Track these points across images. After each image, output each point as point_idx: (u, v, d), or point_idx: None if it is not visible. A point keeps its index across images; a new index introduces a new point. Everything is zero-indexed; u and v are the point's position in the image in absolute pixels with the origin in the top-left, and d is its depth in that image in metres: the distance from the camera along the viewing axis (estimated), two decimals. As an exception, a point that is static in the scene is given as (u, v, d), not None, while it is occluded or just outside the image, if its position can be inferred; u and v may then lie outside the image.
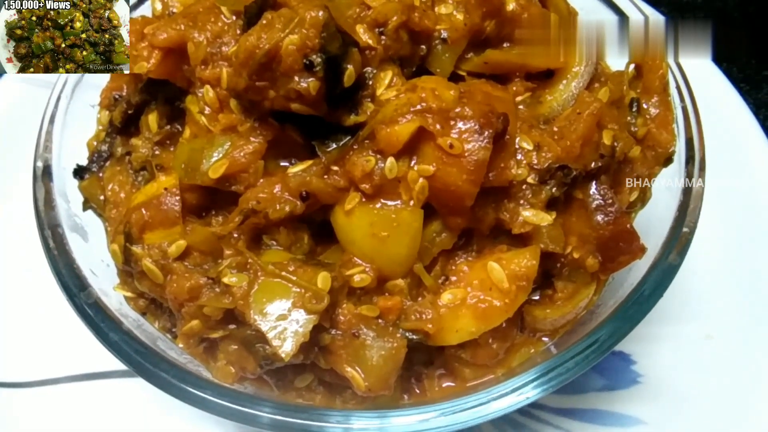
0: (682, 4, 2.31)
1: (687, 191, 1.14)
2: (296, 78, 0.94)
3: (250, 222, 1.01)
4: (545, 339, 1.13)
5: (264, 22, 0.95)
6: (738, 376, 1.48)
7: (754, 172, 1.72)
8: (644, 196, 1.19)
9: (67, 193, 1.19)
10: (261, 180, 1.04)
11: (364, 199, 1.00)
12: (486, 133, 0.97)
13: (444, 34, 1.08)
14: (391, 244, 1.00)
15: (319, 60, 0.94)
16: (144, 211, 1.02)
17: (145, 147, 1.15)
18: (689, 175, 1.15)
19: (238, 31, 1.04)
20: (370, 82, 1.03)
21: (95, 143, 1.25)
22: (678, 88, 1.21)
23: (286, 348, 0.91)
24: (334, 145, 1.02)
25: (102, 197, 1.18)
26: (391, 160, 0.98)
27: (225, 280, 0.96)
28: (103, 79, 1.28)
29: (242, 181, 1.03)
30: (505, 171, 1.03)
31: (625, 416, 1.47)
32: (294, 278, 0.96)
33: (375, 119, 1.00)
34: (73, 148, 1.27)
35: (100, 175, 1.19)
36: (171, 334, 1.10)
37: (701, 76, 1.83)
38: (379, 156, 0.99)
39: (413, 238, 1.00)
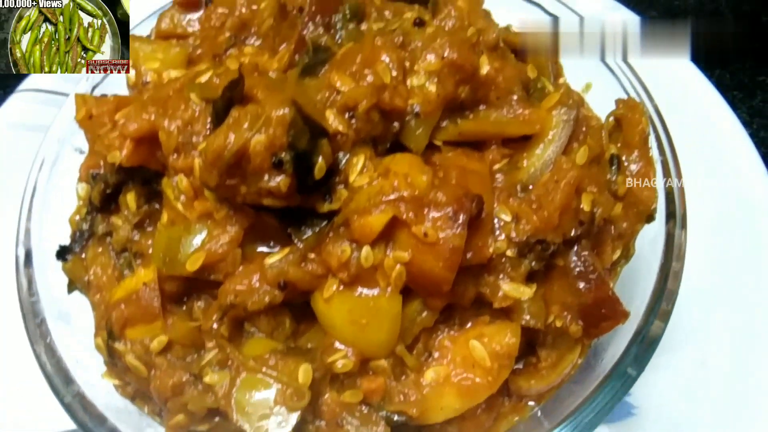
0: (673, 6, 2.26)
1: (668, 250, 1.13)
2: (266, 177, 0.94)
3: (230, 314, 1.02)
4: (531, 403, 1.14)
5: (231, 120, 0.94)
6: (734, 404, 1.48)
7: (747, 192, 1.71)
8: (627, 252, 1.18)
9: (51, 276, 1.20)
10: (240, 267, 1.04)
11: (342, 287, 1.00)
12: (460, 219, 0.96)
13: (417, 108, 1.06)
14: (371, 331, 1.00)
15: (287, 158, 0.93)
16: (123, 308, 1.03)
17: (125, 228, 1.15)
18: (670, 233, 1.14)
19: (209, 120, 1.03)
20: (343, 167, 1.02)
21: (77, 218, 1.26)
22: (658, 139, 1.19)
23: (270, 448, 0.92)
24: (310, 232, 1.02)
25: (87, 278, 1.19)
26: (366, 249, 0.98)
27: (206, 379, 0.97)
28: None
29: (220, 270, 1.03)
30: (483, 249, 1.02)
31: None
32: (275, 374, 0.96)
33: (349, 208, 0.99)
34: (55, 221, 1.27)
35: (83, 255, 1.20)
36: (161, 418, 1.12)
37: (684, 85, 1.81)
38: (354, 245, 0.99)
39: (393, 323, 1.00)
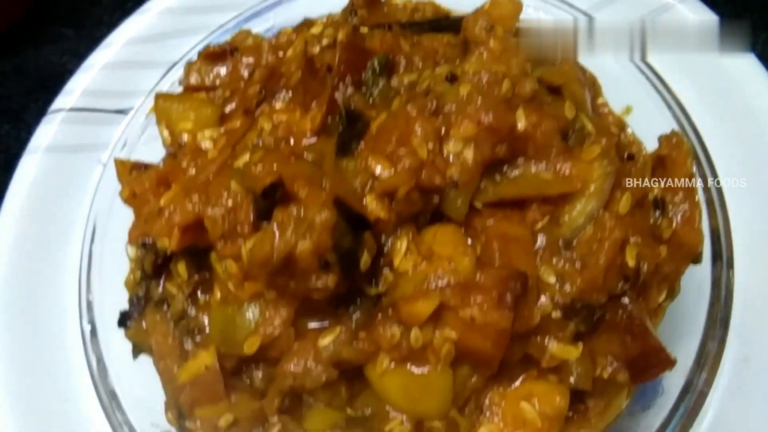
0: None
1: (715, 294, 1.13)
2: (313, 277, 0.96)
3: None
4: (580, 446, 1.19)
5: (274, 226, 0.96)
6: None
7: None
8: (673, 291, 1.18)
9: (116, 342, 1.26)
10: (295, 344, 1.08)
11: (393, 364, 1.04)
12: (506, 301, 0.98)
13: (455, 177, 1.06)
14: (424, 403, 1.05)
15: (333, 259, 0.95)
16: (189, 390, 1.09)
17: (180, 299, 1.20)
18: (717, 276, 1.13)
19: (251, 208, 1.04)
20: (387, 249, 1.03)
21: (132, 280, 1.31)
22: (702, 174, 1.17)
23: None
24: (359, 312, 1.05)
25: (149, 344, 1.25)
26: (415, 330, 1.01)
27: (273, 459, 1.04)
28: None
29: (276, 348, 1.08)
30: (530, 319, 1.04)
31: None
32: (337, 452, 1.03)
33: (396, 292, 1.02)
34: (112, 282, 1.33)
35: (143, 322, 1.26)
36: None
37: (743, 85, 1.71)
38: (402, 327, 1.02)
39: (445, 395, 1.05)
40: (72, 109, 2.05)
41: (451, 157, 1.06)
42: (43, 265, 1.68)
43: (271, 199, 0.97)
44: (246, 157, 1.09)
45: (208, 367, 1.09)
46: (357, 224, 0.99)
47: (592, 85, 1.32)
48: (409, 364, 1.04)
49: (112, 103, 2.04)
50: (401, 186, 1.00)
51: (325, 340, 1.06)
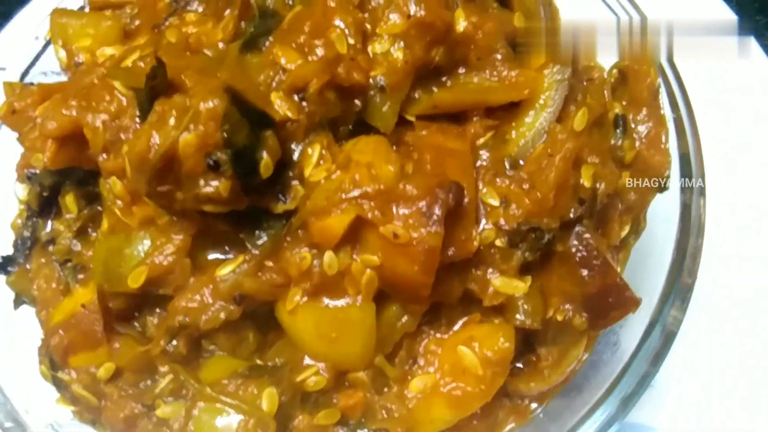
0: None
1: (685, 224, 0.98)
2: (201, 181, 0.79)
3: (184, 333, 0.89)
4: (534, 405, 1.02)
5: (154, 117, 0.79)
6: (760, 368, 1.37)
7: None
8: (638, 227, 1.04)
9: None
10: (191, 279, 0.91)
11: (305, 298, 0.87)
12: (435, 214, 0.81)
13: (381, 81, 0.90)
14: (343, 344, 0.88)
15: (224, 157, 0.78)
16: (63, 333, 0.91)
17: (66, 236, 1.02)
18: (687, 204, 0.98)
19: (137, 113, 0.87)
20: (297, 158, 0.87)
21: (19, 223, 1.13)
22: (670, 93, 1.02)
23: (233, 489, 0.82)
24: (265, 236, 0.88)
25: (32, 292, 1.07)
26: (329, 254, 0.84)
27: (159, 412, 0.86)
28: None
29: (169, 283, 0.90)
30: (467, 243, 0.88)
31: (636, 425, 1.38)
32: (234, 402, 0.85)
33: (306, 208, 0.85)
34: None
35: (27, 266, 1.07)
36: (125, 443, 1.01)
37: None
38: (315, 250, 0.85)
39: (367, 335, 0.88)
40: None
41: (377, 57, 0.91)
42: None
43: (151, 86, 0.80)
44: (135, 56, 0.92)
45: (85, 305, 0.91)
46: (259, 124, 0.82)
47: (547, 5, 1.17)
48: (323, 298, 0.87)
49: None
50: (313, 80, 0.84)
51: (225, 270, 0.88)
